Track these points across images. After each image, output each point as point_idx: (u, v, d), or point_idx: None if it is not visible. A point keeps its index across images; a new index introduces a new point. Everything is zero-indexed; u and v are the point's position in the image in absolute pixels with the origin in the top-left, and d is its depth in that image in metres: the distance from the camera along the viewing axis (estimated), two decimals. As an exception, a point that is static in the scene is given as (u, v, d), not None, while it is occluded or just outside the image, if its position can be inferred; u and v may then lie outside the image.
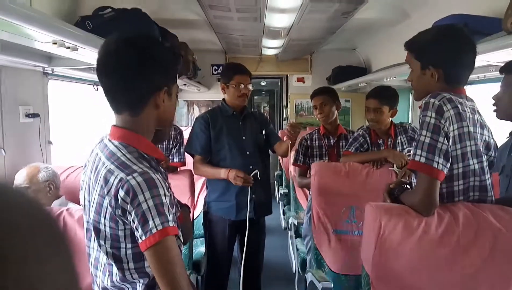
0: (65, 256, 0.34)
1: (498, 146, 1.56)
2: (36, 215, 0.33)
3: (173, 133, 2.72)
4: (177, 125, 2.84)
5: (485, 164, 1.36)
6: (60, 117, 2.79)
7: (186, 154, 2.74)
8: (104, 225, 1.02)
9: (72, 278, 0.34)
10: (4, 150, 2.05)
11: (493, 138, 1.41)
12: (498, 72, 2.32)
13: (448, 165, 1.28)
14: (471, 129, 1.32)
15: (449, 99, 1.29)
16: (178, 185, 2.38)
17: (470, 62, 1.39)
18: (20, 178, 1.97)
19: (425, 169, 1.26)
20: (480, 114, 1.39)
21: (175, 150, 2.69)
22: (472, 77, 2.61)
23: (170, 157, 2.69)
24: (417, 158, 1.28)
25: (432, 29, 1.46)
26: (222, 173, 2.26)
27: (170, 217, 0.98)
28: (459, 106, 1.30)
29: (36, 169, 2.01)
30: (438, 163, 1.25)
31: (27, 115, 2.23)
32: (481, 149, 1.34)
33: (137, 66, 1.03)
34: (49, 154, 2.45)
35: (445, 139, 1.27)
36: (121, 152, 1.04)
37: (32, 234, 0.30)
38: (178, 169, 2.64)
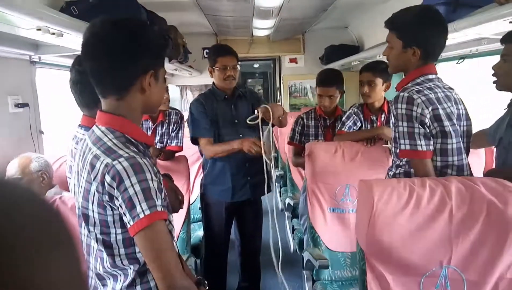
0: (67, 247, 0.33)
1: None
2: (35, 204, 0.32)
3: (174, 117, 2.68)
4: (178, 110, 2.79)
5: (458, 145, 1.47)
6: (51, 106, 2.76)
7: (183, 139, 2.70)
8: (93, 211, 1.01)
9: (76, 271, 0.33)
10: (-6, 141, 2.03)
11: (465, 109, 1.55)
12: (490, 46, 2.32)
13: (432, 142, 1.43)
14: (450, 110, 1.45)
15: (417, 91, 1.44)
16: (173, 170, 2.38)
17: (445, 40, 1.53)
18: (12, 169, 1.95)
19: (412, 154, 1.43)
20: (451, 89, 1.53)
21: (173, 134, 2.65)
22: (464, 51, 2.61)
23: (168, 141, 2.67)
24: (402, 147, 1.44)
25: (412, 9, 1.53)
26: (236, 145, 2.18)
27: (159, 202, 0.98)
28: (428, 94, 1.43)
29: (28, 160, 1.99)
30: (421, 145, 1.41)
31: (16, 105, 2.20)
32: (458, 129, 1.47)
33: (122, 49, 1.01)
34: (41, 144, 2.43)
35: (420, 124, 1.41)
36: (108, 137, 1.03)
37: (31, 225, 0.30)
38: (176, 155, 2.62)
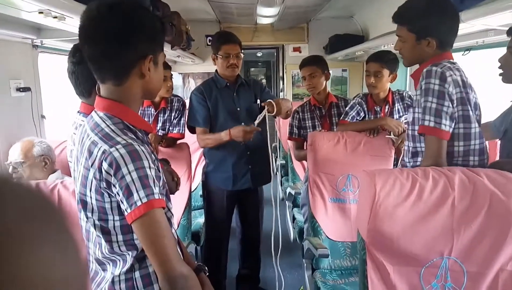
0: (63, 237, 0.33)
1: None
2: (28, 197, 0.32)
3: (176, 104, 2.68)
4: (180, 97, 2.79)
5: (478, 129, 1.45)
6: (52, 91, 2.75)
7: (185, 126, 2.71)
8: (91, 197, 1.01)
9: (72, 260, 0.33)
10: (-4, 125, 2.03)
11: (477, 98, 1.52)
12: (497, 37, 2.29)
13: (453, 125, 1.40)
14: (470, 96, 1.42)
15: (449, 67, 1.39)
16: (175, 158, 2.38)
17: (458, 26, 1.51)
18: (15, 153, 1.96)
19: (434, 132, 1.38)
20: (467, 78, 1.49)
21: (175, 121, 2.66)
22: (470, 42, 2.58)
23: (170, 128, 2.67)
24: (426, 123, 1.40)
25: (419, 0, 1.50)
26: (223, 135, 2.21)
27: (156, 190, 0.97)
28: (457, 72, 1.40)
29: (30, 144, 1.99)
30: (445, 125, 1.38)
31: (18, 89, 2.19)
32: (471, 115, 1.44)
33: (119, 33, 0.99)
34: (43, 129, 2.43)
35: (450, 103, 1.37)
36: (105, 123, 1.02)
37: (25, 217, 0.29)
38: (177, 142, 2.62)
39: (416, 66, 1.63)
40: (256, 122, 2.15)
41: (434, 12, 1.46)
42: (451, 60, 1.49)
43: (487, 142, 2.21)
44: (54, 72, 2.79)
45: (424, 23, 1.47)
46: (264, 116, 2.16)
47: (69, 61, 1.50)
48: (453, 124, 1.39)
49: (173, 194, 1.37)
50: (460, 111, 1.40)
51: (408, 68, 4.12)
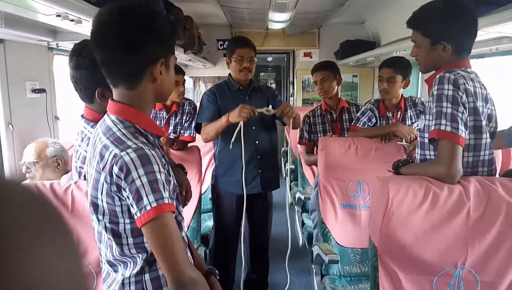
0: (63, 239, 0.33)
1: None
2: (29, 199, 0.32)
3: (187, 107, 2.70)
4: (192, 100, 2.81)
5: (488, 140, 1.41)
6: (67, 93, 2.79)
7: None
8: (102, 200, 1.01)
9: (73, 262, 0.33)
10: (12, 125, 2.06)
11: (495, 110, 1.46)
12: (510, 45, 2.27)
13: (467, 133, 1.34)
14: (481, 105, 1.38)
15: (462, 76, 1.35)
16: (186, 160, 2.39)
17: (476, 32, 1.45)
18: (29, 153, 1.98)
19: (451, 137, 1.30)
20: (485, 88, 1.44)
21: (186, 124, 2.67)
22: (484, 50, 2.57)
23: (181, 131, 2.69)
24: (442, 127, 1.31)
25: (434, 4, 1.47)
26: (222, 119, 2.20)
27: (166, 194, 0.97)
28: (470, 82, 1.36)
29: (44, 144, 2.02)
30: (462, 131, 1.30)
31: (34, 91, 2.23)
32: (483, 125, 1.40)
33: (130, 37, 0.99)
34: (57, 130, 2.46)
35: (464, 109, 1.32)
36: (117, 127, 1.02)
37: (24, 220, 0.30)
38: (188, 145, 2.63)
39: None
40: (260, 110, 2.15)
41: (449, 16, 1.42)
42: (468, 69, 1.44)
43: (500, 151, 2.20)
44: (68, 74, 2.82)
45: (438, 27, 1.43)
46: (273, 115, 2.19)
47: (69, 66, 1.48)
48: (467, 132, 1.34)
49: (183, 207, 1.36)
50: (472, 121, 1.36)
51: (420, 75, 4.10)
